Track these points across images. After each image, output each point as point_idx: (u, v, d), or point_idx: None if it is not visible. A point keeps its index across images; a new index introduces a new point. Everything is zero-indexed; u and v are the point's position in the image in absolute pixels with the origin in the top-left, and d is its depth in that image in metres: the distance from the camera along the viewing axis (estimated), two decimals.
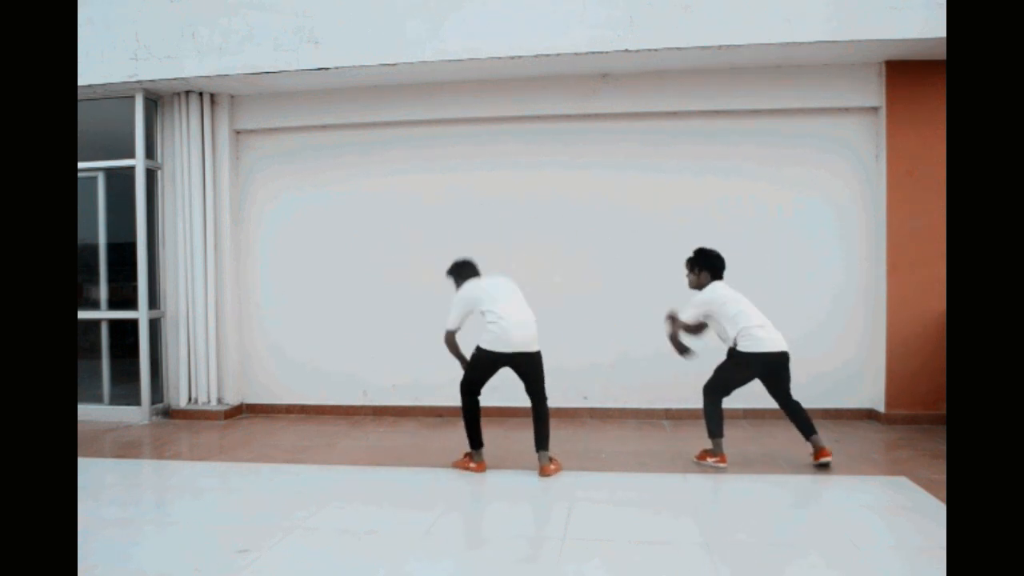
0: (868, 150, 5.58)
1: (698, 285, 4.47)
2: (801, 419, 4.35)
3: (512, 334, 4.16)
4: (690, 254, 4.53)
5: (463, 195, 5.96)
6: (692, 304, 4.40)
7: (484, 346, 4.22)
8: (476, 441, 4.36)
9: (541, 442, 4.26)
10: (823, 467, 4.24)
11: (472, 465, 4.36)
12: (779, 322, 5.57)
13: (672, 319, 4.46)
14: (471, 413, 4.34)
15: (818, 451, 4.27)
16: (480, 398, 4.39)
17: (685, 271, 4.54)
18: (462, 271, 4.53)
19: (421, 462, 4.56)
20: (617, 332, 5.77)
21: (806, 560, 2.94)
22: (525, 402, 6.10)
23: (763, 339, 4.29)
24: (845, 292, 5.62)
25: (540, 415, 4.29)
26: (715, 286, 4.40)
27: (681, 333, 4.46)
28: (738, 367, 4.34)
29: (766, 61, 5.36)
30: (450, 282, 4.60)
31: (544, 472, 4.21)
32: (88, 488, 3.95)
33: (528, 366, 4.26)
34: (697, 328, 4.51)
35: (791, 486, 4.00)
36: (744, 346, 4.29)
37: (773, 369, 4.37)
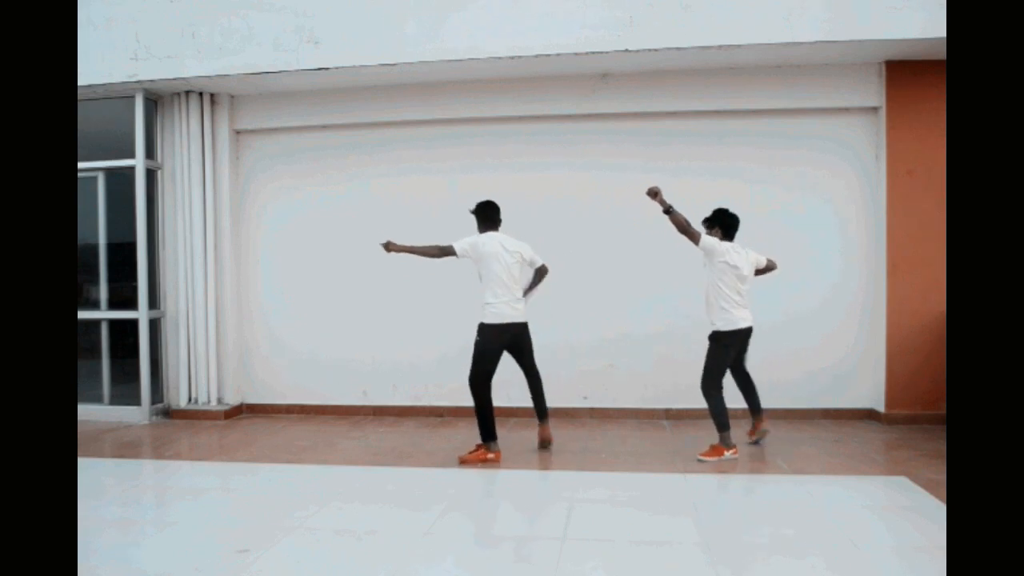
0: (868, 150, 5.58)
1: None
2: (753, 394, 4.73)
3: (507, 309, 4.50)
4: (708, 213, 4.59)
5: (463, 195, 5.92)
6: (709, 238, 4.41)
7: (487, 320, 4.45)
8: (492, 432, 4.51)
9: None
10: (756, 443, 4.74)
11: (490, 456, 4.47)
12: (778, 322, 5.61)
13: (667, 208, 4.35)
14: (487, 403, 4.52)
15: (755, 427, 4.76)
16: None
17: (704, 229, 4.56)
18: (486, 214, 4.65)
19: (421, 462, 4.56)
20: (617, 332, 5.77)
21: (806, 560, 2.94)
22: (524, 402, 6.12)
23: (739, 318, 4.43)
24: (845, 292, 5.62)
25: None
26: (726, 244, 4.46)
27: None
28: (724, 348, 4.47)
29: (766, 61, 5.35)
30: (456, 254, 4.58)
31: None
32: (88, 488, 3.95)
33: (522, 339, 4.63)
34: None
35: (791, 486, 4.00)
36: (717, 326, 4.44)
37: (743, 345, 4.61)
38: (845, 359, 5.62)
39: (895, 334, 5.39)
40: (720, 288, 4.40)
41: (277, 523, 3.41)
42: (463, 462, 4.46)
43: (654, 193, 4.18)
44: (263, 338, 6.29)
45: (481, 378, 4.45)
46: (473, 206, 4.68)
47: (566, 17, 5.04)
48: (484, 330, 4.47)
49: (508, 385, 5.84)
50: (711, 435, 4.59)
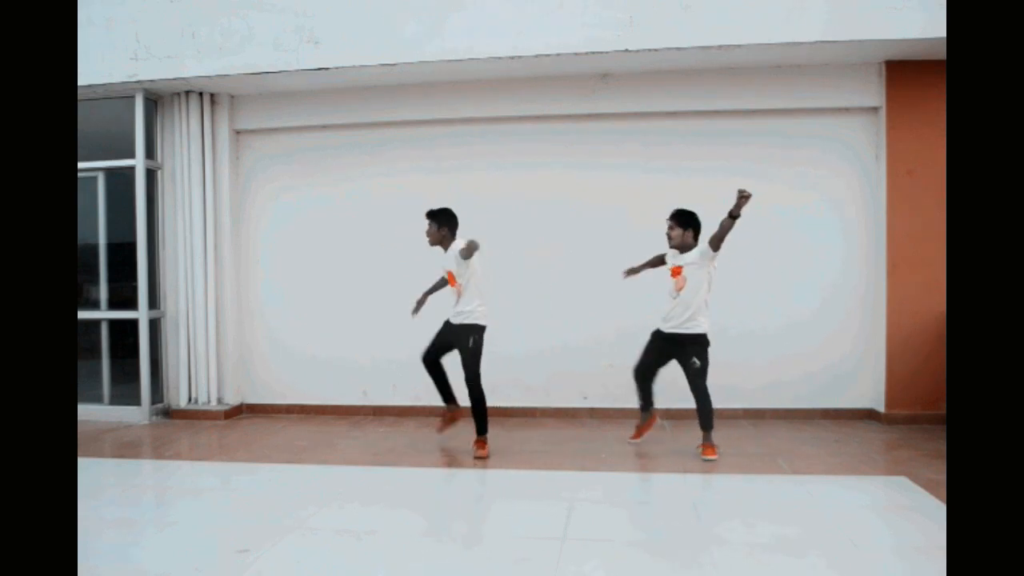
0: (868, 150, 5.57)
1: (681, 244, 4.54)
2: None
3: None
4: (677, 210, 4.57)
5: (463, 195, 5.92)
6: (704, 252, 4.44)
7: (481, 322, 4.59)
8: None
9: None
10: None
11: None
12: (778, 322, 5.62)
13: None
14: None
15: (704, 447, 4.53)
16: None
17: (671, 225, 4.56)
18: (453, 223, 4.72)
19: (421, 462, 4.56)
20: (617, 331, 5.76)
21: (806, 560, 2.94)
22: (524, 402, 6.12)
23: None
24: (845, 292, 5.62)
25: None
26: None
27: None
28: (705, 350, 4.52)
29: (766, 61, 5.35)
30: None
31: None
32: (88, 488, 3.95)
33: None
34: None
35: (791, 486, 4.00)
36: (705, 328, 4.49)
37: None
38: (845, 359, 5.62)
39: (895, 334, 5.38)
40: (707, 293, 4.45)
41: (277, 523, 3.41)
42: (483, 457, 4.57)
43: (746, 197, 4.19)
44: (263, 338, 6.29)
45: (479, 376, 4.58)
46: (437, 209, 4.69)
47: (566, 17, 5.04)
48: (479, 331, 4.59)
49: (507, 386, 5.86)
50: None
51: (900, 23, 4.76)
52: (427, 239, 4.71)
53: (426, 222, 4.68)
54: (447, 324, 4.73)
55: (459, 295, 4.61)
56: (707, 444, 4.51)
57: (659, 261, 4.72)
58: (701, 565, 2.88)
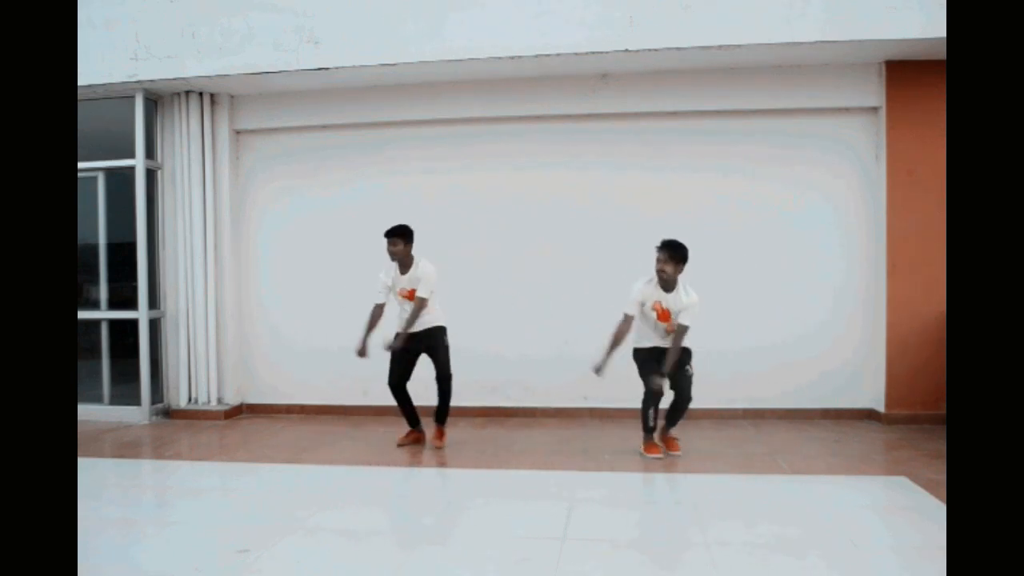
0: (868, 150, 5.57)
1: (673, 278, 4.29)
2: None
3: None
4: (672, 243, 4.27)
5: (463, 195, 5.96)
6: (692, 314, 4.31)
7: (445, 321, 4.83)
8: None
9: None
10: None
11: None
12: (778, 322, 5.63)
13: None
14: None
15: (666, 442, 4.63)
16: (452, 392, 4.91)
17: (666, 258, 4.25)
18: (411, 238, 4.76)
19: (421, 462, 4.56)
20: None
21: (806, 560, 2.94)
22: (524, 402, 6.11)
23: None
24: (845, 292, 5.62)
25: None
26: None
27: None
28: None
29: (766, 61, 5.35)
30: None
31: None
32: (88, 488, 3.94)
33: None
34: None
35: (791, 486, 4.00)
36: None
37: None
38: (845, 359, 5.62)
39: (895, 334, 5.38)
40: None
41: (277, 523, 3.41)
42: (442, 447, 4.81)
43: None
44: (263, 338, 6.29)
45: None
46: (402, 226, 4.71)
47: (566, 17, 5.04)
48: (445, 329, 4.82)
49: (507, 386, 5.86)
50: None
51: (900, 23, 4.76)
52: (392, 255, 4.65)
53: (388, 240, 4.64)
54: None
55: (420, 307, 4.61)
56: (673, 438, 4.64)
57: (625, 329, 4.37)
58: (701, 565, 2.88)
